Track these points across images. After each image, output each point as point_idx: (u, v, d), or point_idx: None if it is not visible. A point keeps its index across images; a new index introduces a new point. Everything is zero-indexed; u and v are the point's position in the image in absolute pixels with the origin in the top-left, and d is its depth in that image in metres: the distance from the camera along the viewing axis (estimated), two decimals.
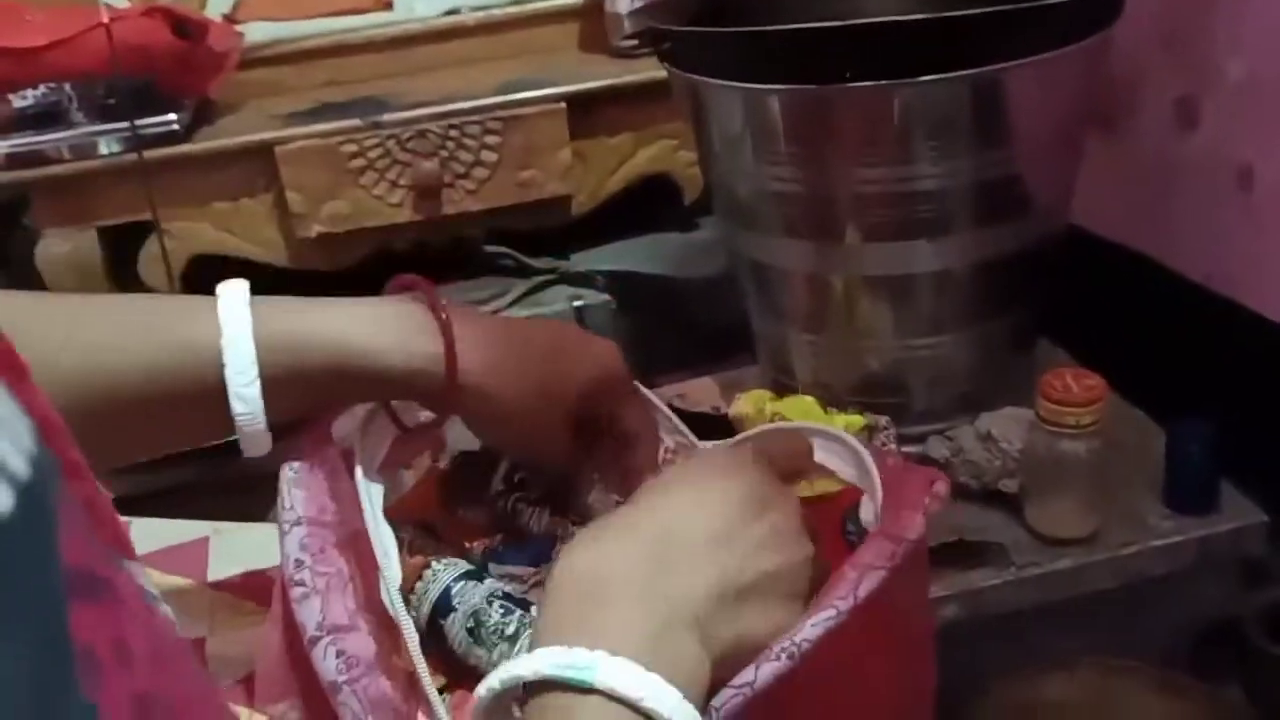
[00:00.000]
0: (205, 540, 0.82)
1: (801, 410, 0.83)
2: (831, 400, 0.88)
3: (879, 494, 0.55)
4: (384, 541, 0.54)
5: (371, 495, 0.56)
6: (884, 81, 0.78)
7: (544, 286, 1.36)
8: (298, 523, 0.52)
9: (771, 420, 0.80)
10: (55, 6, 1.19)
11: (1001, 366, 0.94)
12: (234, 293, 0.53)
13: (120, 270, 1.29)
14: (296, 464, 0.55)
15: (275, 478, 0.56)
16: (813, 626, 0.44)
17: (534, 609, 0.52)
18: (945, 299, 0.88)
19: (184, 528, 0.84)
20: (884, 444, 0.84)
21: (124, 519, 0.85)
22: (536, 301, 1.33)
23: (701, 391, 1.01)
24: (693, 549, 0.43)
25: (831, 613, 0.45)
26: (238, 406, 0.52)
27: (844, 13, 0.86)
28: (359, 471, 0.56)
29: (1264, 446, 0.83)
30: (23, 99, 1.27)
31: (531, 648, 0.41)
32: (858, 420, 0.83)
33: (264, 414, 0.53)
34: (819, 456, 0.60)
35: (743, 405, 0.85)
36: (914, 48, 0.76)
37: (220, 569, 0.79)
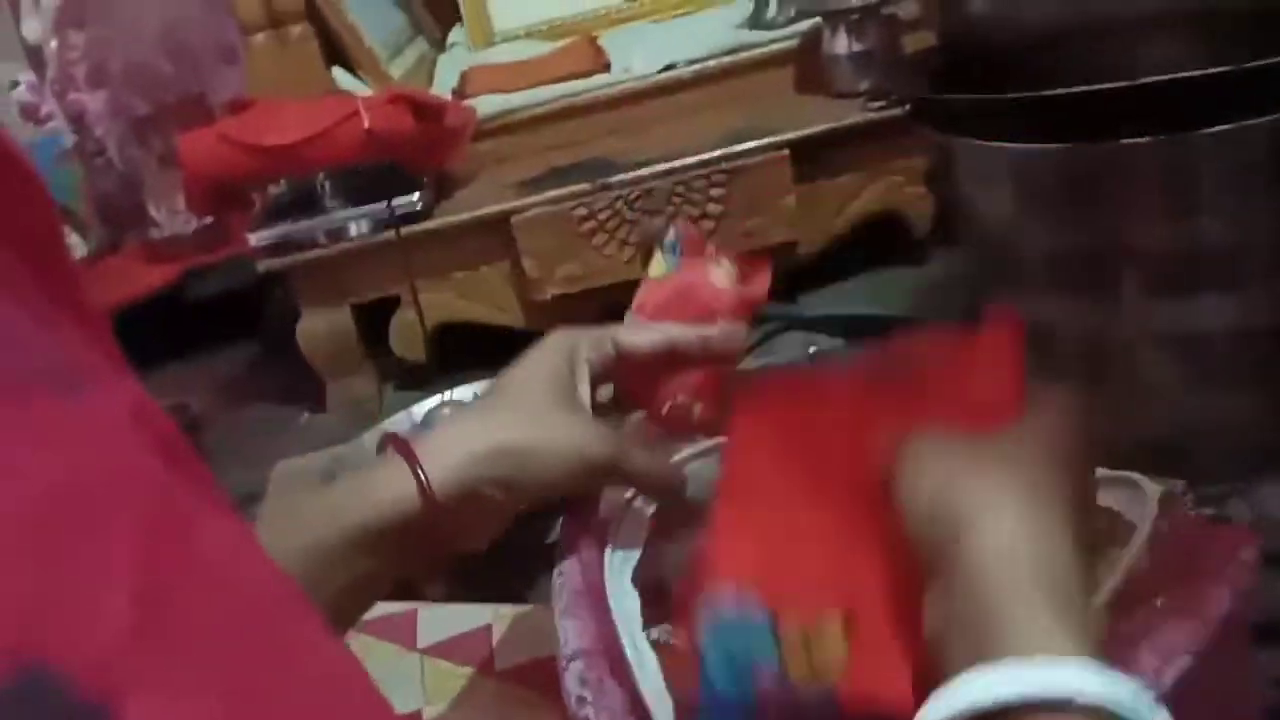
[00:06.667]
0: (488, 628, 0.84)
1: None
2: (1107, 463, 0.83)
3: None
4: (645, 665, 0.52)
5: (626, 612, 0.55)
6: (1165, 135, 0.73)
7: (774, 334, 1.35)
8: (574, 657, 0.52)
9: None
10: (310, 97, 1.26)
11: None
12: None
13: (372, 343, 1.36)
14: (565, 592, 0.55)
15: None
16: None
17: None
18: (1239, 355, 0.82)
19: (467, 614, 0.86)
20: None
21: (411, 605, 0.87)
22: (768, 350, 1.32)
23: None
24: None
25: None
26: None
27: (1105, 59, 0.81)
28: (610, 596, 0.56)
29: None
30: (277, 188, 1.36)
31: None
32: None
33: None
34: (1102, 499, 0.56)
35: None
36: (1197, 101, 0.72)
37: (505, 658, 0.81)
